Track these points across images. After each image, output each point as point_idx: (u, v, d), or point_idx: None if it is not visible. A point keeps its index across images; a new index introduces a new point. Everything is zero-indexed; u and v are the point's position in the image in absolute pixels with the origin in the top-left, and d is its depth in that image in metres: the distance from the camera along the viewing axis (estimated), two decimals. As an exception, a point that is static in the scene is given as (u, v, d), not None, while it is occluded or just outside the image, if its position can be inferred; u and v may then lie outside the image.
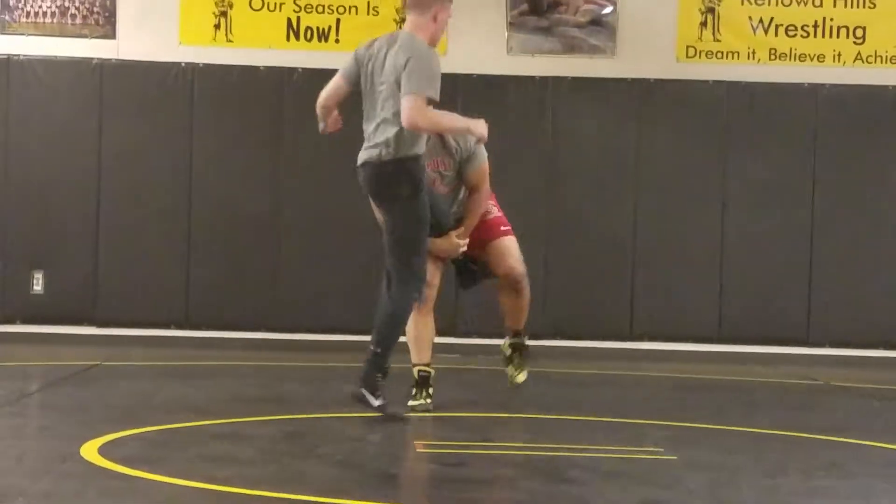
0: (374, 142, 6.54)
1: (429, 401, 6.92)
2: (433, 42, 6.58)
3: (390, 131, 6.46)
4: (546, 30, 11.48)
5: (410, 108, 6.31)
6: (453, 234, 6.96)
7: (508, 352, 7.69)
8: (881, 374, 10.25)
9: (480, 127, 6.65)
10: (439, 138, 6.91)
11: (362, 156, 6.62)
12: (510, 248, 7.26)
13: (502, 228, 7.29)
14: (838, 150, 11.45)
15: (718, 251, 11.43)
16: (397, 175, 6.48)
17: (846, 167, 11.44)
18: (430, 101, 6.36)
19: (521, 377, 7.66)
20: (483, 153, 7.07)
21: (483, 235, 7.19)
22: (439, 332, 11.12)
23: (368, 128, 6.61)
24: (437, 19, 6.56)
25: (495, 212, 7.29)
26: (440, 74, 6.41)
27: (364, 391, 6.48)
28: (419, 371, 6.99)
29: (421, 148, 6.54)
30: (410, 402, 6.87)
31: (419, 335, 7.02)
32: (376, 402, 6.48)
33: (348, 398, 6.57)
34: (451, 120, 6.64)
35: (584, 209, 11.28)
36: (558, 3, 11.48)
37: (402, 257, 6.57)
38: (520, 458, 5.69)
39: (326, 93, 6.73)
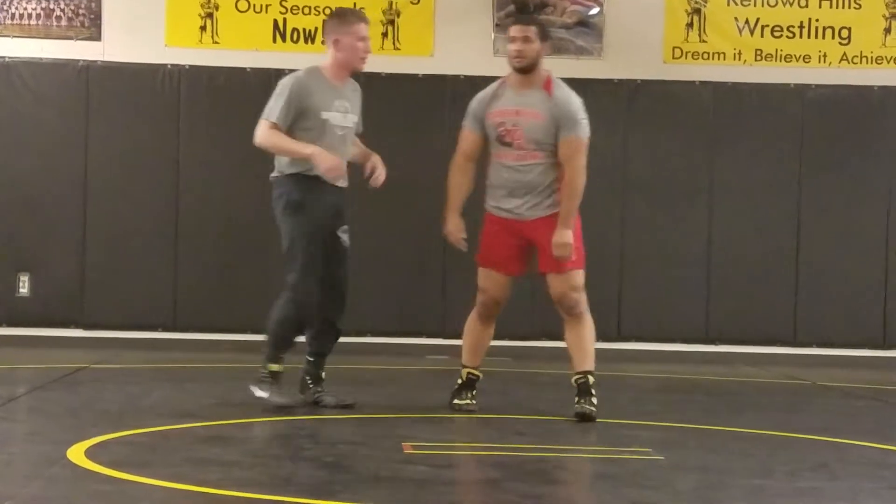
0: None
1: (473, 401, 7.04)
2: (347, 65, 6.99)
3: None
4: (533, 31, 11.47)
5: (256, 130, 6.86)
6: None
7: (577, 390, 6.93)
8: (868, 375, 10.29)
9: (324, 160, 6.76)
10: (546, 91, 6.98)
11: None
12: (569, 280, 6.98)
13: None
14: (824, 150, 11.48)
15: (705, 252, 11.45)
16: (279, 193, 6.94)
17: (832, 167, 11.47)
18: (274, 124, 6.80)
19: (590, 408, 6.85)
20: (586, 129, 6.95)
21: (547, 267, 6.98)
22: (427, 334, 11.29)
23: None
24: (339, 45, 6.97)
25: (573, 256, 6.98)
26: (290, 99, 6.82)
27: (251, 385, 6.93)
28: (468, 373, 7.12)
29: (299, 167, 6.85)
30: (455, 401, 7.04)
31: (476, 341, 7.15)
32: (258, 393, 6.86)
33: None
34: (291, 144, 6.84)
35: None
36: (545, 5, 11.50)
37: (286, 270, 6.96)
38: (508, 460, 5.70)
39: None
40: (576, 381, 6.92)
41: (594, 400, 6.86)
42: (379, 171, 7.02)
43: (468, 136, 7.11)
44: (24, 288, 11.15)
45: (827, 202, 11.46)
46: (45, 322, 11.08)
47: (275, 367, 6.90)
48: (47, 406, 7.13)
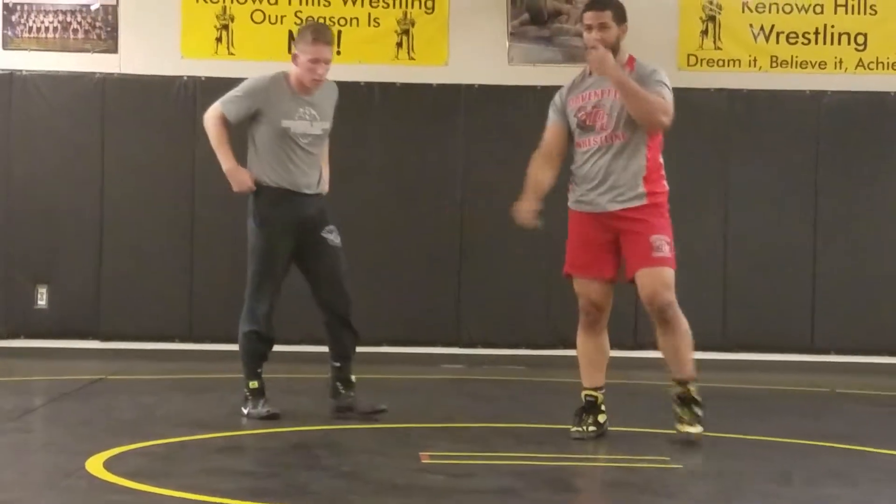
0: None
1: (591, 428, 6.46)
2: (301, 81, 6.93)
3: None
4: (547, 39, 11.49)
5: (209, 110, 7.01)
6: None
7: (678, 402, 6.50)
8: (887, 381, 10.24)
9: (236, 182, 6.93)
10: (627, 68, 6.49)
11: None
12: (661, 276, 6.37)
13: (655, 256, 6.38)
14: (841, 156, 11.44)
15: (722, 259, 11.42)
16: (250, 202, 7.00)
17: (849, 174, 11.43)
18: (222, 108, 6.93)
19: (693, 430, 6.42)
20: (669, 93, 6.40)
21: (635, 262, 6.39)
22: (442, 343, 11.27)
23: None
24: (295, 61, 6.96)
25: (666, 251, 6.38)
26: (244, 97, 6.90)
27: (242, 406, 7.07)
28: (585, 396, 6.55)
29: (269, 178, 6.90)
30: (571, 429, 6.49)
31: (588, 357, 6.57)
32: (244, 411, 6.98)
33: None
34: (220, 147, 6.98)
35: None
36: (559, 13, 11.50)
37: (247, 281, 7.08)
38: (525, 469, 5.69)
39: None
40: (676, 394, 6.45)
41: (698, 412, 6.40)
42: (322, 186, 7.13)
43: (548, 130, 6.65)
44: (41, 300, 11.18)
45: (843, 208, 11.42)
46: (62, 333, 11.11)
47: (253, 383, 7.02)
48: (64, 417, 7.15)
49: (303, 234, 6.98)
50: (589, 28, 6.49)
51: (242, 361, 7.07)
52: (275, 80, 6.97)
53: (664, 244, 6.40)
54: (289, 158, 6.90)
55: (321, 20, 11.35)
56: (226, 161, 6.94)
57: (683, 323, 6.49)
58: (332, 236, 7.06)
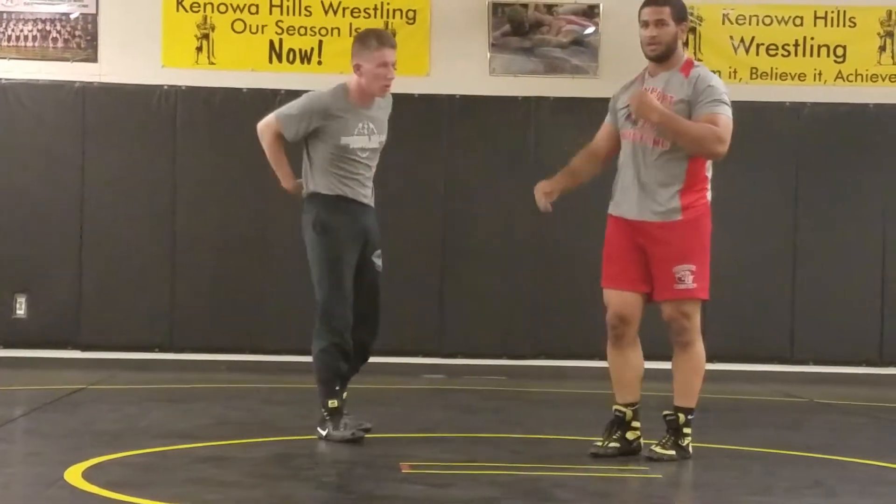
0: None
1: (613, 445, 6.25)
2: (367, 90, 6.79)
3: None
4: (528, 50, 11.52)
5: (263, 120, 6.85)
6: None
7: (666, 425, 6.33)
8: (865, 392, 10.29)
9: (287, 183, 6.87)
10: (682, 73, 6.28)
11: None
12: (681, 305, 6.33)
13: (677, 288, 6.31)
14: (820, 168, 11.50)
15: (702, 270, 11.44)
16: (308, 211, 6.83)
17: (828, 185, 11.49)
18: (278, 125, 6.74)
19: (665, 452, 6.21)
20: (728, 110, 6.27)
21: (659, 291, 6.34)
22: (424, 353, 11.28)
23: None
24: (359, 71, 6.78)
25: (689, 282, 6.32)
26: (303, 115, 6.72)
27: (318, 427, 6.74)
28: (615, 410, 6.36)
29: (329, 188, 6.76)
30: (594, 443, 6.35)
31: (617, 372, 6.41)
32: (322, 433, 6.67)
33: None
34: (276, 165, 6.89)
35: (569, 229, 11.30)
36: (540, 24, 11.53)
37: (316, 295, 6.76)
38: (505, 479, 5.69)
39: None
40: (664, 416, 6.31)
41: (681, 443, 6.20)
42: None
43: (601, 128, 6.52)
44: (20, 309, 11.14)
45: (823, 220, 11.47)
46: (41, 343, 11.07)
47: (332, 402, 6.68)
48: (44, 427, 7.12)
49: (362, 244, 6.81)
50: (645, 25, 6.28)
51: (319, 380, 6.70)
52: (334, 94, 6.79)
53: (688, 274, 6.31)
54: (346, 172, 6.75)
55: (302, 30, 11.38)
56: (285, 180, 6.88)
57: (698, 354, 6.35)
58: (379, 262, 6.90)
